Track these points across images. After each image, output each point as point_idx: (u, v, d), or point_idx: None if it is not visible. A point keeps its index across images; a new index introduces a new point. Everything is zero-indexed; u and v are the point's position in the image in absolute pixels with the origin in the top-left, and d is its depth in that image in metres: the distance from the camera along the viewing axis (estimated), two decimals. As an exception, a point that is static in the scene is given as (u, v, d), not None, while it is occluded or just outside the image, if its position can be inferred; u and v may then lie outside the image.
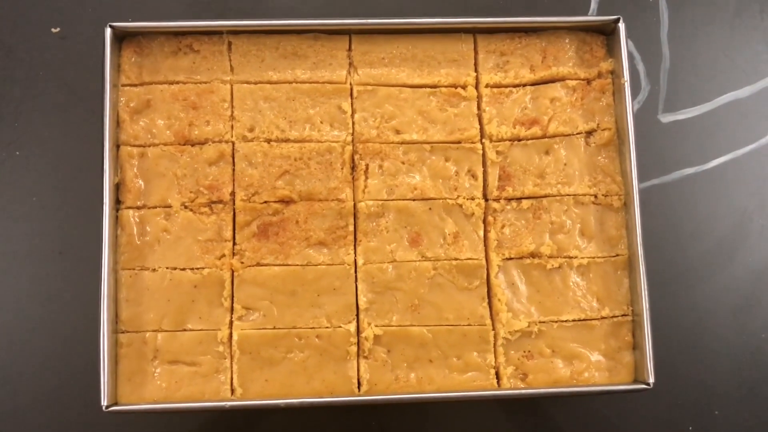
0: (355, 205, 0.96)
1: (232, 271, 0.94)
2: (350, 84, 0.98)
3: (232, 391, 0.92)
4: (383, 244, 0.95)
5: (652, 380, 0.90)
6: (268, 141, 0.96)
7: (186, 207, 0.95)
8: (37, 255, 1.02)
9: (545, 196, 0.97)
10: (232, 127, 0.97)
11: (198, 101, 0.97)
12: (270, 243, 0.95)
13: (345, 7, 1.09)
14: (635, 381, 0.94)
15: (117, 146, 0.95)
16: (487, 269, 0.96)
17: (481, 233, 0.96)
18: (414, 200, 0.96)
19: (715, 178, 1.07)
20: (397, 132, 0.97)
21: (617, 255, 0.96)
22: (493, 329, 0.94)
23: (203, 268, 0.94)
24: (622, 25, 0.96)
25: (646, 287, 0.92)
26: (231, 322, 0.93)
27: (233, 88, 0.97)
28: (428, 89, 0.98)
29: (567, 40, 1.00)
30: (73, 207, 1.02)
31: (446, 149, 0.97)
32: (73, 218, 1.02)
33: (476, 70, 0.99)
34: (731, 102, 1.09)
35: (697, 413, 1.03)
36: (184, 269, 0.94)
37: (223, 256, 0.94)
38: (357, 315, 0.94)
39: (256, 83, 0.97)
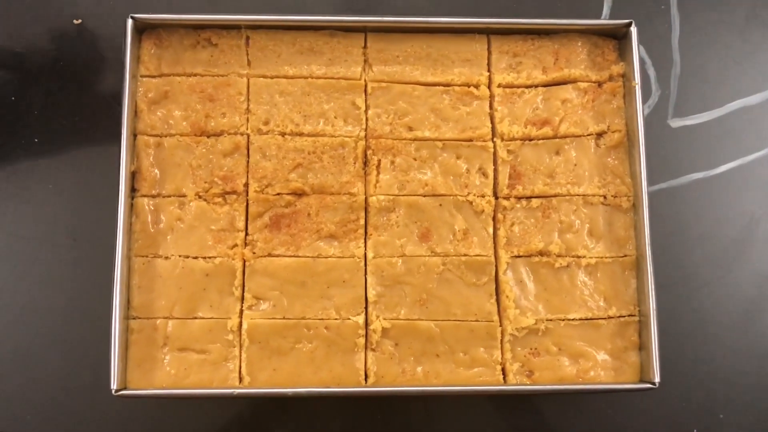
0: (366, 199, 0.97)
1: (244, 261, 0.95)
2: (365, 80, 1.00)
3: (240, 379, 0.93)
4: (393, 238, 0.96)
5: (657, 380, 0.91)
6: (283, 134, 0.98)
7: (200, 197, 0.96)
8: (51, 241, 1.03)
9: (555, 196, 0.98)
10: (247, 119, 0.98)
11: (215, 94, 0.98)
12: (281, 234, 0.96)
13: (361, 6, 1.11)
14: (641, 381, 0.94)
15: (134, 135, 0.97)
16: (496, 266, 0.96)
17: (491, 230, 0.97)
18: (425, 196, 0.97)
19: (723, 184, 1.08)
20: (410, 129, 0.99)
21: (625, 255, 0.97)
22: (501, 325, 0.95)
23: (215, 257, 0.95)
24: (634, 29, 0.97)
25: (653, 288, 0.93)
26: (241, 311, 0.94)
27: (250, 82, 0.99)
28: (441, 87, 1.00)
29: (579, 43, 1.01)
30: (88, 194, 1.04)
31: (458, 147, 0.98)
32: (88, 205, 1.03)
33: (489, 70, 1.01)
34: (740, 108, 1.10)
35: (702, 415, 1.03)
36: (196, 258, 0.95)
37: (235, 245, 0.95)
38: (366, 308, 0.95)
39: (272, 77, 0.99)
